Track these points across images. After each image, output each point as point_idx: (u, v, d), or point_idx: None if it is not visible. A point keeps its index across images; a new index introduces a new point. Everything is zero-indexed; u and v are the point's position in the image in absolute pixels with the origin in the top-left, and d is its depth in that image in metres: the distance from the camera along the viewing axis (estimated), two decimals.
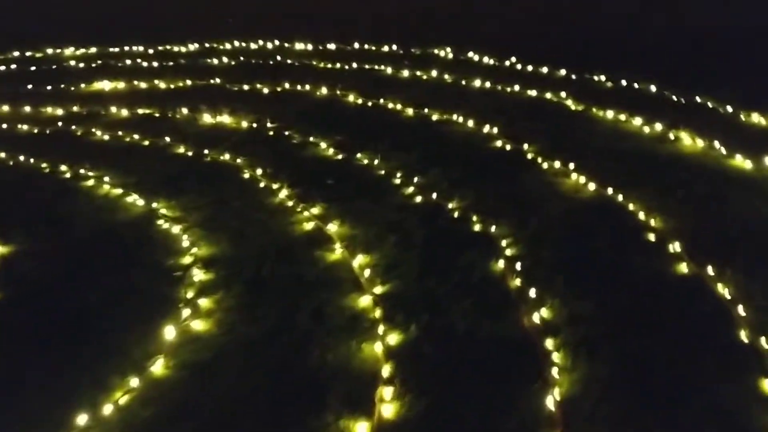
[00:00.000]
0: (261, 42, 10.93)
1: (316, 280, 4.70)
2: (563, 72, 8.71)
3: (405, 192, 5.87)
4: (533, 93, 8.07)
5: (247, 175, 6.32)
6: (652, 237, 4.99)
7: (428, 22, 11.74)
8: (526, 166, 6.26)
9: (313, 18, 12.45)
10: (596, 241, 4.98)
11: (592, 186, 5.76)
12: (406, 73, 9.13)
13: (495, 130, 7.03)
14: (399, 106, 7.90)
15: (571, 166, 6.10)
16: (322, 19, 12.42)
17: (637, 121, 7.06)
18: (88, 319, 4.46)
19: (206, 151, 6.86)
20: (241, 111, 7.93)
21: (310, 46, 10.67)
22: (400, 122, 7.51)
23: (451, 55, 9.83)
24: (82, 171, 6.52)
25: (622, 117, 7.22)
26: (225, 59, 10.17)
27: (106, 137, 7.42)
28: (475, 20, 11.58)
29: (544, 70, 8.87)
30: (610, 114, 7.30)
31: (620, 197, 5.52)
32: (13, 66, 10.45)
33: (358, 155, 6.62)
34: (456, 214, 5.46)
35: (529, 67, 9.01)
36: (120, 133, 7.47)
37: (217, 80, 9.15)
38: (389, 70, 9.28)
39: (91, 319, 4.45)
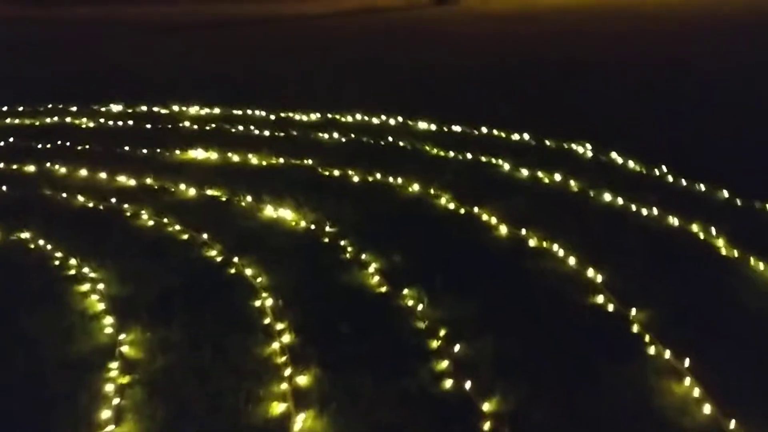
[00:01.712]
0: (384, 117, 9.43)
1: None
2: (725, 194, 6.38)
3: (434, 367, 3.97)
4: (674, 222, 5.84)
5: (257, 303, 4.70)
6: None
7: (572, 111, 9.69)
8: (624, 350, 4.13)
9: (447, 95, 10.87)
10: None
11: (707, 408, 3.55)
12: (525, 172, 7.18)
13: (600, 278, 4.93)
14: (493, 221, 5.98)
15: (688, 361, 3.91)
16: (455, 96, 10.79)
17: None
18: None
19: (236, 259, 5.35)
20: (308, 206, 6.37)
21: (433, 126, 9.01)
22: (483, 246, 5.58)
23: (590, 154, 7.75)
24: (86, 270, 5.22)
25: None
26: (336, 135, 8.74)
27: (150, 223, 6.13)
28: (628, 117, 9.35)
29: (701, 188, 6.57)
30: None
31: None
32: (131, 122, 9.66)
33: (405, 291, 4.80)
34: (486, 428, 3.49)
35: (682, 182, 6.74)
36: (166, 220, 6.15)
37: (311, 161, 7.68)
38: (506, 167, 7.37)
39: None
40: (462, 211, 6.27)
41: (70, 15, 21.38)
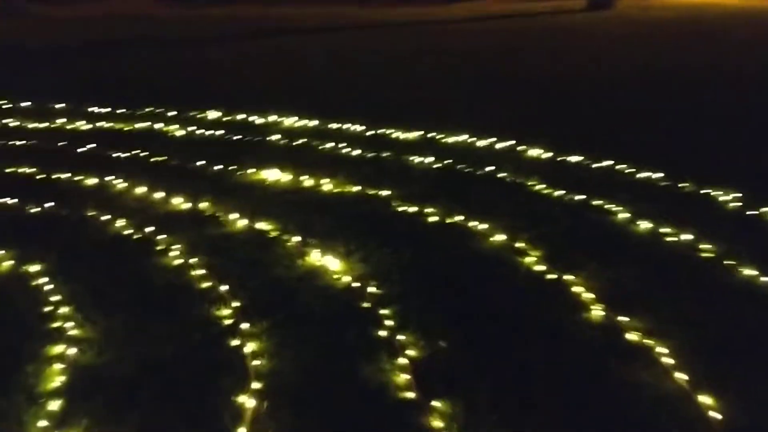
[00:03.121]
0: (493, 139, 8.04)
1: None
2: None
3: None
4: None
5: (241, 399, 3.57)
6: None
7: (725, 143, 7.83)
8: None
9: (576, 114, 9.29)
10: None
11: None
12: (646, 225, 5.59)
13: (722, 406, 3.38)
14: (587, 296, 4.51)
15: None
16: (586, 116, 9.20)
17: None
18: None
19: (246, 325, 4.24)
20: (360, 254, 5.17)
21: (546, 155, 7.53)
22: (564, 334, 4.14)
23: (734, 205, 6.02)
24: (71, 324, 4.29)
25: None
26: (430, 159, 7.46)
27: (177, 262, 5.17)
28: None
29: None
30: None
31: None
32: (220, 132, 8.83)
33: (437, 403, 3.49)
34: None
35: None
36: (194, 260, 5.16)
37: (387, 192, 6.48)
38: (623, 216, 5.80)
39: None
40: (551, 276, 4.83)
41: (192, 13, 21.37)
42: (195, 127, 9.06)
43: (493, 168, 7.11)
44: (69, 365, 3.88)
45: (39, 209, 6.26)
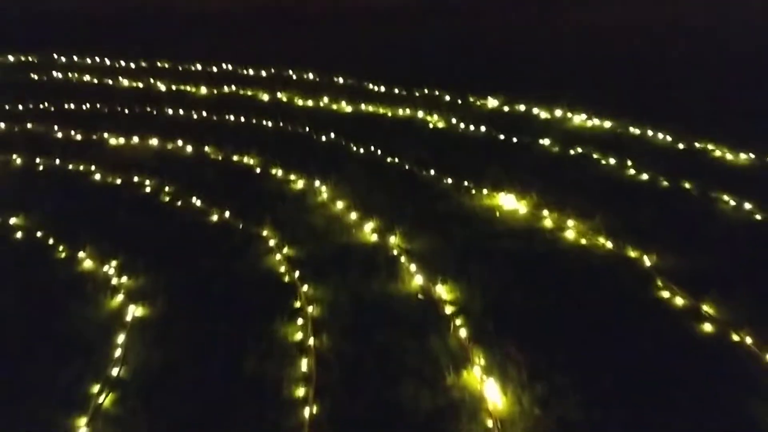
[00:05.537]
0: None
1: None
2: None
3: None
4: None
5: None
6: None
7: None
8: None
9: None
10: None
11: None
12: None
13: None
14: None
15: None
16: None
17: None
18: None
19: None
20: (560, 407, 3.15)
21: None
22: None
23: None
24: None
25: None
26: (754, 204, 4.89)
27: (290, 330, 3.73)
28: None
29: None
30: None
31: None
32: (487, 127, 7.03)
33: None
34: None
35: None
36: (311, 336, 3.65)
37: (658, 260, 4.20)
38: None
39: None
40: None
41: None
42: (460, 119, 7.34)
43: None
44: None
45: (216, 218, 5.29)
